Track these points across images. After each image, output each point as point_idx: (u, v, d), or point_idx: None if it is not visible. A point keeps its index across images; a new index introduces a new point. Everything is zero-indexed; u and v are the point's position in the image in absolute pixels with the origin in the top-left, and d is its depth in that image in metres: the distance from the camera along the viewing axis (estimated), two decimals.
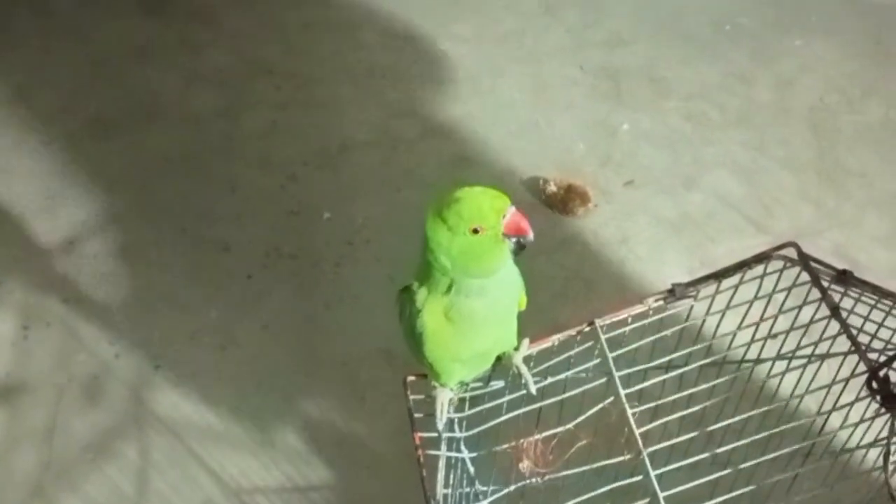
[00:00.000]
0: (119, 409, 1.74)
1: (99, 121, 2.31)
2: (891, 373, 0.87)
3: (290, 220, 2.08)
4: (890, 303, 0.96)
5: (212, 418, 1.72)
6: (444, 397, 0.96)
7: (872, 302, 0.99)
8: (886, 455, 0.80)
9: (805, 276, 0.93)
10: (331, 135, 2.28)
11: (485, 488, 1.03)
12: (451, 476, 0.98)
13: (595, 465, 0.89)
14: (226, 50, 2.50)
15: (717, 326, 0.99)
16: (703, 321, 1.02)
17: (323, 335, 1.86)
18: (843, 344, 0.93)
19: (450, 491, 1.02)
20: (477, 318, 0.92)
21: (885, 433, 0.87)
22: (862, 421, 0.91)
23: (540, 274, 1.95)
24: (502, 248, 0.88)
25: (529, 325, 1.03)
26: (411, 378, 1.00)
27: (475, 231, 0.87)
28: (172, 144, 2.25)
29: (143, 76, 2.43)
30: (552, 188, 2.10)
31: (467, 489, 1.02)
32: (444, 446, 0.93)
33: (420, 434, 0.92)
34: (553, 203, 2.09)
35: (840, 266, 0.99)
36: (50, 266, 1.98)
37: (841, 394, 0.98)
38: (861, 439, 1.04)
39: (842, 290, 0.94)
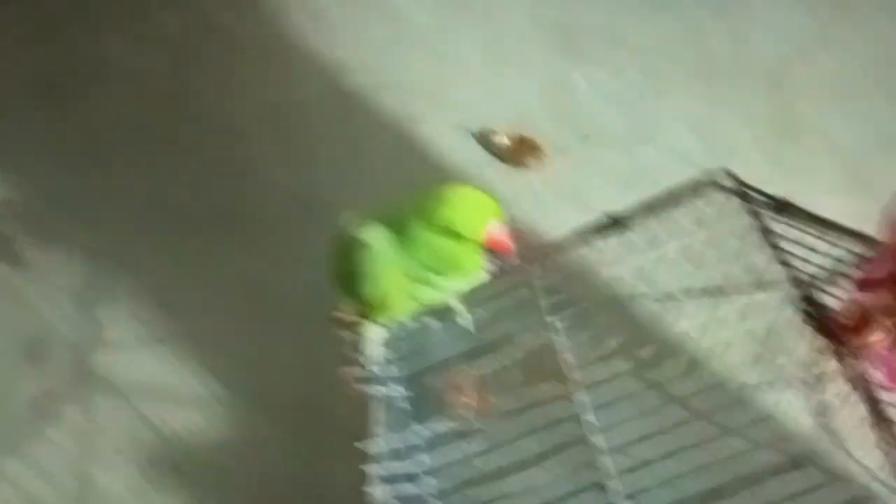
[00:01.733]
0: (63, 371, 1.70)
1: (42, 84, 2.25)
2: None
3: (241, 181, 2.04)
4: (826, 232, 0.95)
5: (158, 377, 1.69)
6: (374, 334, 0.93)
7: (815, 236, 0.98)
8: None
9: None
10: (282, 94, 2.24)
11: (421, 426, 1.00)
12: (388, 415, 0.96)
13: (529, 405, 0.87)
14: (175, 11, 2.44)
15: (653, 259, 0.97)
16: (637, 254, 1.00)
17: (275, 296, 1.83)
18: (779, 273, 0.92)
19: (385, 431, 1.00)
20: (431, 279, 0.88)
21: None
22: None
23: None
24: (475, 258, 0.84)
25: None
26: (339, 314, 0.97)
27: (455, 236, 0.83)
28: (120, 107, 2.20)
29: (89, 39, 2.37)
30: (504, 140, 2.07)
31: (404, 429, 1.00)
32: (376, 384, 0.91)
33: (349, 370, 0.89)
34: (504, 155, 2.07)
35: None
36: None
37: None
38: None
39: (787, 221, 0.92)
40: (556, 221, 1.98)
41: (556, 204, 2.01)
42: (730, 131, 2.22)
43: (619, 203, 2.02)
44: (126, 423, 1.62)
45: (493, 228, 0.82)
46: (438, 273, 0.85)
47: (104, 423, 1.62)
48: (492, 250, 0.82)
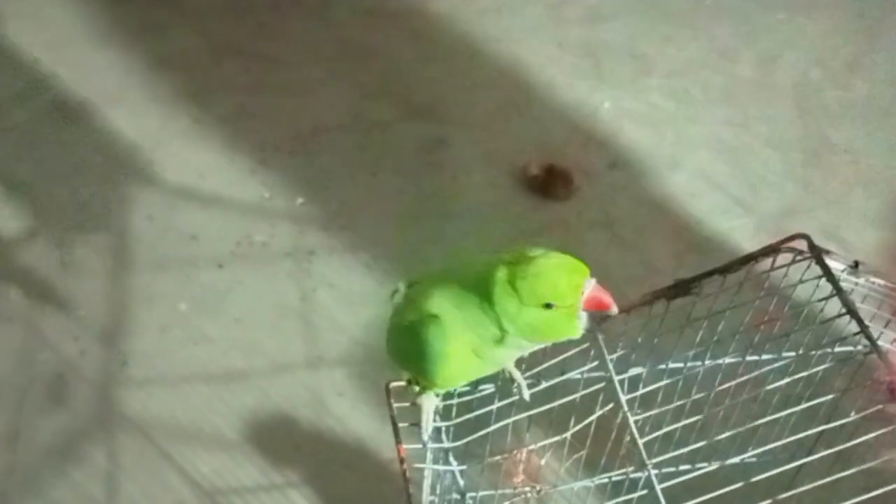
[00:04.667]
0: (85, 410, 1.66)
1: (61, 106, 2.21)
2: None
3: (261, 207, 2.01)
4: None
5: (183, 417, 1.65)
6: (430, 405, 0.89)
7: (880, 296, 0.93)
8: None
9: (815, 270, 0.88)
10: (302, 118, 2.20)
11: (475, 494, 0.96)
12: (439, 485, 0.92)
13: (595, 480, 0.83)
14: (191, 32, 2.40)
15: (721, 324, 0.93)
16: (707, 318, 0.96)
17: (298, 327, 1.79)
18: (853, 340, 0.87)
19: (436, 499, 0.96)
20: (501, 356, 0.87)
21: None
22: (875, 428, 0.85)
23: None
24: (575, 323, 0.82)
25: None
26: (394, 384, 0.93)
27: (548, 306, 0.80)
28: (137, 129, 2.16)
29: (105, 60, 2.33)
30: (533, 171, 2.03)
31: (457, 496, 0.96)
32: (430, 457, 0.87)
33: (404, 446, 0.85)
34: (534, 186, 2.03)
35: (829, 246, 0.94)
36: (11, 258, 1.90)
37: (843, 393, 0.93)
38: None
39: (855, 281, 0.88)
40: (591, 254, 1.95)
41: (588, 234, 1.97)
42: (759, 156, 2.18)
43: (653, 232, 2.01)
44: (152, 465, 1.58)
45: (589, 289, 0.80)
46: (534, 342, 0.83)
47: (129, 464, 1.58)
48: (593, 310, 0.81)
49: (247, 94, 2.25)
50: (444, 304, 0.84)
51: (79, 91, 2.25)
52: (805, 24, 2.50)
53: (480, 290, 0.81)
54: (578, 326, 0.81)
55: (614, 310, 0.80)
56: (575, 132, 2.20)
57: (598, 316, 0.81)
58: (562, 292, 0.79)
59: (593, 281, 0.80)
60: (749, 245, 1.92)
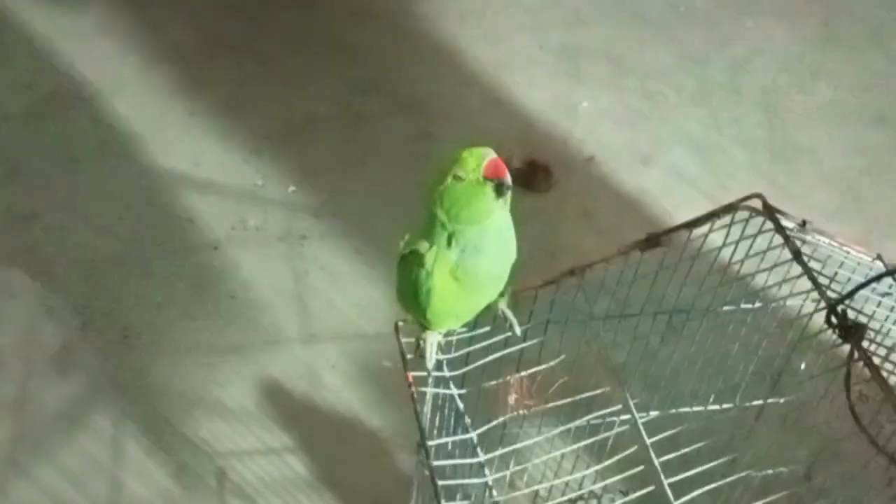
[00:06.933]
0: (89, 380, 1.74)
1: (59, 96, 2.30)
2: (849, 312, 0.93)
3: (255, 193, 2.10)
4: (845, 252, 1.03)
5: (182, 387, 1.73)
6: (434, 339, 1.01)
7: (828, 253, 1.05)
8: (847, 376, 0.85)
9: (769, 225, 0.99)
10: (293, 110, 2.30)
11: (473, 423, 1.08)
12: (439, 416, 1.03)
13: (577, 397, 0.94)
14: (186, 27, 2.50)
15: (689, 271, 1.05)
16: (676, 267, 1.07)
17: (291, 305, 1.88)
18: (804, 286, 0.99)
19: (436, 428, 1.07)
20: (481, 275, 0.99)
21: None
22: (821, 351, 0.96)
23: None
24: (484, 191, 0.95)
25: None
26: (401, 322, 1.04)
27: (458, 178, 0.95)
28: (133, 119, 2.25)
29: (102, 53, 2.42)
30: (515, 164, 2.14)
31: (457, 428, 1.08)
32: (432, 384, 0.98)
33: (412, 373, 0.97)
34: (516, 178, 2.11)
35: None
36: (14, 237, 1.98)
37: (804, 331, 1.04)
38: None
39: (803, 238, 1.00)
40: (569, 242, 2.06)
41: (567, 224, 2.08)
42: (728, 155, 2.30)
43: (628, 222, 2.11)
44: (154, 431, 1.66)
45: (488, 158, 0.95)
46: (464, 220, 0.95)
47: (133, 430, 1.66)
48: (490, 177, 0.94)
49: (239, 86, 2.35)
50: (420, 240, 0.99)
51: (77, 82, 2.33)
52: (773, 31, 2.64)
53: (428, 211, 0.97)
54: (488, 192, 0.95)
55: (508, 179, 0.95)
56: (555, 129, 2.32)
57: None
58: (463, 161, 0.95)
59: (492, 153, 0.95)
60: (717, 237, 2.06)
